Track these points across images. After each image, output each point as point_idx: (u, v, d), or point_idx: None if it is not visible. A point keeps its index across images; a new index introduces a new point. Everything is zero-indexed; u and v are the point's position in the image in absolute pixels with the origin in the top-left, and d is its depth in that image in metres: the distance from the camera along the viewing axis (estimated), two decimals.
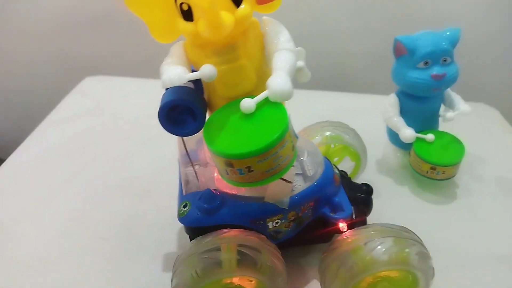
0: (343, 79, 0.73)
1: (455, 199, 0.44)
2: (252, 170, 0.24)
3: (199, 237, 0.30)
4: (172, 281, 0.29)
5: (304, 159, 0.34)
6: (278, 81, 0.25)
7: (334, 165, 0.38)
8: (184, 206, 0.32)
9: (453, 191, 0.45)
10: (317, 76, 0.68)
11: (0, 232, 0.40)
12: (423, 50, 0.39)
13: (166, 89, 0.27)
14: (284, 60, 0.26)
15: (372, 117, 0.49)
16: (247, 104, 0.25)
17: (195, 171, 0.33)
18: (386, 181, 0.46)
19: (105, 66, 0.74)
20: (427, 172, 0.42)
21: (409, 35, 0.40)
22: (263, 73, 0.27)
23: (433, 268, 0.30)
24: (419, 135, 0.43)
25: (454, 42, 0.40)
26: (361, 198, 0.36)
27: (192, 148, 0.35)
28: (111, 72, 0.68)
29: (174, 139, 0.35)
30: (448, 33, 0.40)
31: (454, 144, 0.43)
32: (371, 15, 0.66)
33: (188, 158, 0.33)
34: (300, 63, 0.30)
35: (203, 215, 0.30)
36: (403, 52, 0.40)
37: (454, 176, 0.43)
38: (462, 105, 0.42)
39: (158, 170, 0.46)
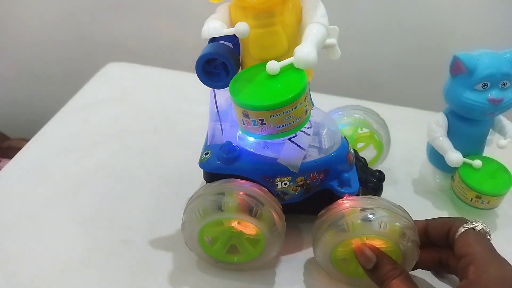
0: (369, 87, 0.73)
1: (495, 229, 0.41)
2: (265, 123, 0.27)
3: (210, 183, 0.33)
4: (183, 217, 0.33)
5: (323, 134, 0.37)
6: (304, 50, 0.27)
7: (354, 149, 0.40)
8: (206, 154, 0.35)
9: (493, 220, 0.42)
10: (344, 82, 0.69)
11: (18, 226, 0.38)
12: (483, 72, 0.37)
13: (209, 41, 0.30)
14: (314, 32, 0.28)
15: (408, 131, 0.48)
16: (273, 66, 0.28)
17: (221, 126, 0.37)
18: (424, 203, 0.44)
19: (127, 52, 0.74)
20: (471, 200, 0.40)
21: (469, 53, 0.38)
22: (295, 42, 0.29)
23: (418, 251, 0.31)
24: (467, 160, 0.40)
25: None
26: (372, 182, 0.38)
27: (224, 107, 0.39)
28: (133, 59, 0.66)
29: (202, 135, 0.37)
30: (508, 55, 0.37)
31: (502, 173, 0.41)
32: (402, 24, 0.65)
33: (217, 114, 0.37)
34: (333, 40, 0.32)
35: (220, 164, 0.34)
36: (461, 71, 0.38)
37: (497, 206, 0.41)
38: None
39: (187, 170, 0.44)
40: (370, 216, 0.30)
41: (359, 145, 0.45)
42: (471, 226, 0.30)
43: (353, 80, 0.72)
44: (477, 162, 0.40)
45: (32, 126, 0.77)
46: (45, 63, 0.82)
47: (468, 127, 0.40)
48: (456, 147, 0.41)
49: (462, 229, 0.30)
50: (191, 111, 0.54)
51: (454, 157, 0.40)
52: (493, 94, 0.37)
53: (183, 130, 0.52)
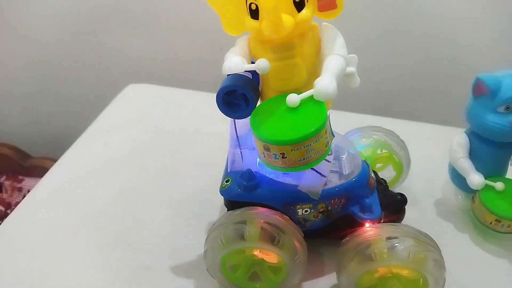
0: (385, 102, 0.72)
1: None
2: (286, 157, 0.27)
3: (232, 210, 0.34)
4: (204, 245, 0.34)
5: (344, 159, 0.37)
6: (324, 82, 0.27)
7: (374, 170, 0.40)
8: (227, 181, 0.36)
9: None
10: (360, 97, 0.69)
11: (41, 252, 0.39)
12: (506, 94, 0.36)
13: (228, 75, 0.31)
14: (334, 64, 0.28)
15: (426, 148, 0.48)
16: (293, 99, 0.28)
17: (241, 153, 0.37)
18: (445, 225, 0.43)
19: (146, 73, 0.76)
20: (490, 223, 0.39)
21: (492, 75, 0.37)
22: (314, 73, 0.30)
23: (445, 279, 0.31)
24: (488, 182, 0.39)
25: None
26: (394, 205, 0.38)
27: (244, 133, 0.39)
28: (152, 79, 0.67)
29: (221, 156, 0.38)
30: None
31: None
32: (417, 37, 0.65)
33: (237, 141, 0.37)
34: (351, 69, 0.32)
35: (241, 191, 0.34)
36: (483, 92, 0.37)
37: None
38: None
39: (207, 193, 0.44)
40: (397, 245, 0.30)
41: (378, 165, 0.44)
42: None
43: (368, 95, 0.72)
44: (499, 185, 0.39)
45: (54, 145, 0.79)
46: (65, 82, 0.84)
47: (490, 149, 0.39)
48: (478, 168, 0.40)
49: None
50: (210, 131, 0.55)
51: (476, 179, 0.39)
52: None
53: (202, 151, 0.52)
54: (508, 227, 0.39)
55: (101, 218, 0.43)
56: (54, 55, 0.80)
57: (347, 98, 0.63)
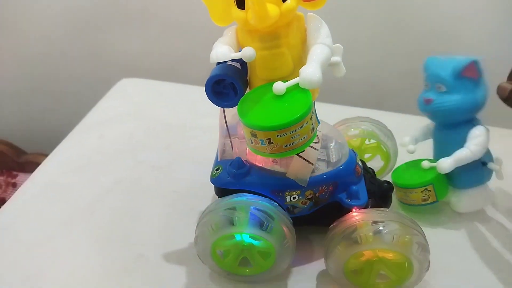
0: (376, 96, 0.73)
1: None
2: (272, 143, 0.28)
3: (222, 198, 0.34)
4: (195, 232, 0.35)
5: (331, 147, 0.37)
6: (309, 70, 0.28)
7: (361, 160, 0.41)
8: (217, 169, 0.36)
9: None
10: (350, 91, 0.70)
11: (36, 244, 0.39)
12: (425, 72, 0.40)
13: (217, 64, 0.32)
14: (319, 52, 0.29)
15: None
16: (279, 87, 0.29)
17: (231, 142, 0.38)
18: (431, 211, 0.43)
19: (139, 68, 0.76)
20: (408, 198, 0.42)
21: (435, 57, 0.40)
22: (300, 62, 0.31)
23: (429, 262, 0.32)
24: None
25: (456, 71, 0.37)
26: (380, 193, 0.39)
27: (233, 122, 0.40)
28: (145, 74, 0.68)
29: (214, 150, 0.39)
30: (455, 61, 0.38)
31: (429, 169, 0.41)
32: (408, 32, 0.66)
33: (227, 130, 0.38)
34: (337, 58, 0.33)
35: (231, 179, 0.35)
36: None
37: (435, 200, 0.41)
38: (446, 160, 0.38)
39: (200, 185, 0.44)
40: (382, 229, 0.31)
41: (366, 155, 0.45)
42: None
43: (359, 89, 0.73)
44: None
45: (48, 141, 0.79)
46: (59, 79, 0.84)
47: (438, 133, 0.42)
48: (437, 154, 0.42)
49: None
50: (203, 125, 0.55)
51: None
52: (426, 94, 0.39)
53: (195, 144, 0.53)
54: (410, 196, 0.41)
55: (95, 210, 0.43)
56: (48, 52, 0.81)
57: (340, 92, 0.64)
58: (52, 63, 0.82)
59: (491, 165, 0.40)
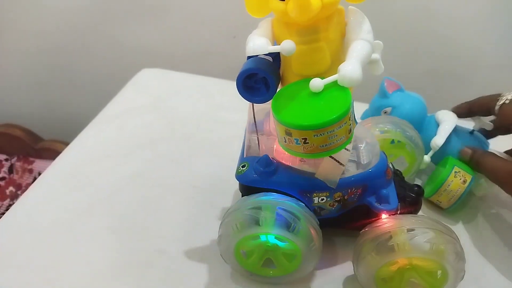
0: None
1: None
2: (307, 142, 0.27)
3: (247, 196, 0.33)
4: (219, 230, 0.34)
5: (362, 148, 0.36)
6: (349, 68, 0.27)
7: (391, 162, 0.39)
8: (243, 166, 0.35)
9: None
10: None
11: (55, 233, 0.39)
12: (372, 113, 0.47)
13: (248, 57, 0.30)
14: (359, 49, 0.28)
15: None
16: (317, 83, 0.27)
17: (258, 139, 0.37)
18: (463, 211, 0.44)
19: (160, 59, 0.75)
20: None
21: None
22: (338, 58, 0.29)
23: (464, 271, 0.31)
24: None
25: (383, 94, 0.45)
26: (411, 197, 0.37)
27: (260, 119, 0.39)
28: (166, 65, 0.66)
29: (235, 145, 0.37)
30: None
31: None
32: (405, 30, 0.65)
33: (255, 126, 0.37)
34: (376, 55, 0.32)
35: (257, 177, 0.34)
36: None
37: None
38: (436, 136, 0.43)
39: (220, 180, 0.44)
40: (419, 237, 0.30)
41: (389, 156, 0.44)
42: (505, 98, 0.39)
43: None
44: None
45: (65, 129, 0.79)
46: (79, 69, 0.84)
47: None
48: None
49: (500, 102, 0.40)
50: (223, 119, 0.54)
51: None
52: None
53: (216, 138, 0.52)
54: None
55: (114, 202, 0.43)
56: (70, 42, 0.80)
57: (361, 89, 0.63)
58: (73, 53, 0.82)
59: (477, 121, 0.44)
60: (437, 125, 0.44)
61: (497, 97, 0.41)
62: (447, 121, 0.43)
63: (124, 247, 0.38)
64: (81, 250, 0.38)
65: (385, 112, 0.45)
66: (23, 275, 0.36)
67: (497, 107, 0.40)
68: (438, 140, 0.42)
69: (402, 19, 0.65)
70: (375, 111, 0.46)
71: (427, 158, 0.43)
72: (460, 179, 0.41)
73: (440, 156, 0.44)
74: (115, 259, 0.37)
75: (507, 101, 0.39)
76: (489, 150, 0.43)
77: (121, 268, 0.36)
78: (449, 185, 0.41)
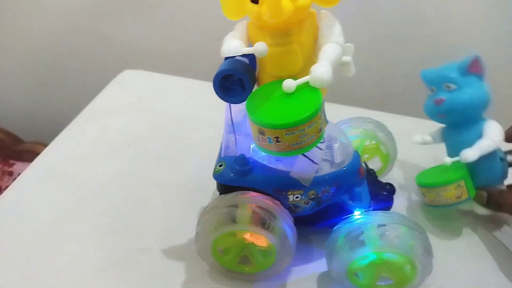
0: (382, 97, 0.73)
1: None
2: (280, 141, 0.28)
3: (224, 194, 0.34)
4: (196, 228, 0.34)
5: (336, 148, 0.37)
6: (320, 69, 0.28)
7: (364, 161, 0.40)
8: (220, 166, 0.36)
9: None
10: (356, 91, 0.70)
11: (38, 231, 0.39)
12: (427, 78, 0.41)
13: (225, 58, 0.31)
14: (330, 51, 0.29)
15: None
16: (289, 84, 0.28)
17: (235, 139, 0.38)
18: (432, 213, 0.44)
19: (142, 60, 0.75)
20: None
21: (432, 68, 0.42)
22: (310, 60, 0.30)
23: (432, 266, 0.32)
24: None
25: (463, 68, 0.39)
26: (383, 195, 0.39)
27: (238, 119, 0.40)
28: (148, 66, 0.67)
29: (216, 144, 0.39)
30: (458, 61, 0.40)
31: (454, 169, 0.40)
32: (415, 34, 0.66)
33: (232, 126, 0.37)
34: (347, 58, 0.33)
35: (234, 176, 0.35)
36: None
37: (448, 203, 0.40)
38: (470, 150, 0.38)
39: (201, 179, 0.43)
40: (389, 232, 0.31)
41: (365, 156, 0.45)
42: None
43: (363, 90, 0.73)
44: (446, 159, 0.40)
45: (46, 130, 0.78)
46: (60, 70, 0.83)
47: (451, 133, 0.42)
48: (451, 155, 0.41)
49: None
50: (205, 119, 0.55)
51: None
52: (436, 95, 0.40)
53: (197, 138, 0.52)
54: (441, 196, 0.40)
55: (97, 201, 0.43)
56: (51, 43, 0.80)
57: (347, 93, 0.64)
58: (54, 54, 0.81)
59: (509, 157, 0.41)
60: (481, 133, 0.39)
61: None
62: (489, 140, 0.38)
63: (107, 246, 0.39)
64: (64, 249, 0.38)
65: (448, 87, 0.40)
66: (6, 273, 0.36)
67: None
68: (470, 155, 0.38)
69: (400, 21, 0.66)
70: (438, 77, 0.40)
71: (447, 160, 0.40)
72: (458, 193, 0.39)
73: (454, 151, 0.40)
74: (98, 258, 0.37)
75: None
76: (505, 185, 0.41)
77: (104, 267, 0.37)
78: (444, 191, 0.40)
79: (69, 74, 0.83)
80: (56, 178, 0.46)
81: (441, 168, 0.42)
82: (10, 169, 0.82)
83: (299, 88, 0.29)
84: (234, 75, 0.30)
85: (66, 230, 0.40)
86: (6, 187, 0.79)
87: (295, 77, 0.29)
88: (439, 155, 0.43)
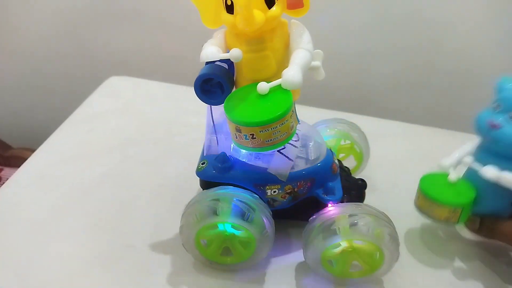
0: (361, 101, 0.76)
1: None
2: (255, 138, 0.30)
3: (206, 190, 0.37)
4: (181, 221, 0.37)
5: (310, 146, 0.40)
6: (290, 73, 0.31)
7: (338, 159, 0.43)
8: (203, 164, 0.39)
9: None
10: (337, 96, 0.73)
11: (27, 232, 0.41)
12: (502, 92, 0.35)
13: (206, 63, 0.34)
14: (300, 57, 0.32)
15: (390, 143, 0.52)
16: (263, 87, 0.31)
17: (216, 138, 0.40)
18: (405, 209, 0.42)
19: (128, 66, 0.77)
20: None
21: None
22: (282, 65, 0.33)
23: (399, 252, 0.35)
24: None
25: None
26: (355, 189, 0.42)
27: (219, 121, 0.42)
28: (133, 72, 0.68)
29: (199, 147, 0.41)
30: None
31: (462, 187, 0.38)
32: (396, 38, 0.69)
33: (213, 127, 0.40)
34: (317, 63, 0.36)
35: (216, 173, 0.37)
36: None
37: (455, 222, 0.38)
38: (494, 169, 0.35)
39: (185, 179, 0.46)
40: (358, 221, 0.34)
41: (340, 155, 0.48)
42: None
43: (344, 94, 0.76)
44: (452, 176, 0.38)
45: (34, 136, 0.80)
46: (46, 75, 0.85)
47: (488, 157, 0.37)
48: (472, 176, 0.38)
49: None
50: (189, 123, 0.57)
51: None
52: (495, 117, 0.34)
53: (182, 141, 0.55)
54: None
55: (85, 201, 0.45)
56: (37, 48, 0.81)
57: (322, 96, 0.67)
58: (41, 60, 0.83)
59: None
60: None
61: None
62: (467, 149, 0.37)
63: (95, 243, 0.40)
64: (53, 248, 0.40)
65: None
66: None
67: None
68: (490, 173, 0.35)
69: (401, 28, 0.68)
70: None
71: (453, 177, 0.38)
72: (449, 215, 0.38)
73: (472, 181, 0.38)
74: (87, 254, 0.39)
75: None
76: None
77: (92, 262, 0.39)
78: (437, 207, 0.38)
79: (56, 80, 0.85)
80: (45, 180, 0.47)
81: (448, 183, 0.39)
82: None
83: (272, 90, 0.31)
84: (214, 79, 0.33)
85: (55, 229, 0.42)
86: None
87: (268, 80, 0.32)
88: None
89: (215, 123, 0.39)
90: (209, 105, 0.37)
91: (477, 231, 0.39)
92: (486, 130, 0.35)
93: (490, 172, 0.35)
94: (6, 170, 0.84)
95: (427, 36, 0.68)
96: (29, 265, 0.38)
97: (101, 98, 0.63)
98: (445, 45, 0.68)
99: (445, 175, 0.39)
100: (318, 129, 0.47)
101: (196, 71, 0.33)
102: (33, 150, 0.72)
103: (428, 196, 0.39)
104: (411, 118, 0.62)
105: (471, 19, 0.66)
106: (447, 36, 0.68)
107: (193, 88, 0.33)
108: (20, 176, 0.48)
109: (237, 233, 0.36)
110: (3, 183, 0.79)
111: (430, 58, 0.70)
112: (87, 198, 0.45)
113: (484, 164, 0.36)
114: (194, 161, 0.41)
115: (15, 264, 0.38)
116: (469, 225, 0.41)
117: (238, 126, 0.30)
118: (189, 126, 0.57)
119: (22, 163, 0.52)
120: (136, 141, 0.55)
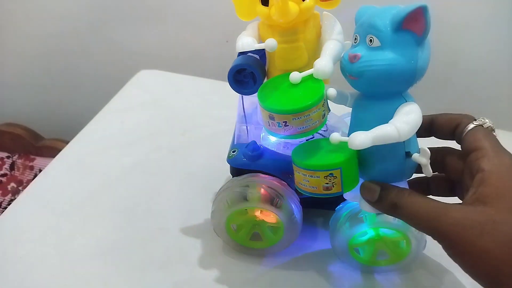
0: None
1: None
2: (288, 125, 0.31)
3: (237, 177, 0.38)
4: (212, 207, 0.38)
5: None
6: (322, 63, 0.32)
7: None
8: (233, 151, 0.40)
9: None
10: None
11: (67, 214, 0.44)
12: (356, 23, 0.30)
13: (238, 54, 0.35)
14: (332, 47, 0.33)
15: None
16: (295, 76, 0.32)
17: (247, 128, 0.42)
18: None
19: (156, 61, 0.79)
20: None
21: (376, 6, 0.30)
22: (314, 55, 0.34)
23: (426, 240, 0.35)
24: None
25: (396, 20, 0.27)
26: None
27: (249, 111, 0.43)
28: (162, 66, 0.70)
29: (225, 138, 0.43)
30: (397, 8, 0.28)
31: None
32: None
33: (244, 117, 0.41)
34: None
35: (246, 160, 0.39)
36: None
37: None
38: (363, 133, 0.28)
39: (212, 168, 0.47)
40: None
41: None
42: (480, 123, 0.30)
43: None
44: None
45: (66, 128, 0.83)
46: (79, 69, 0.88)
47: (359, 103, 0.32)
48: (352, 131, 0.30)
49: (471, 126, 0.30)
50: (215, 115, 0.59)
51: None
52: (353, 49, 0.29)
53: (208, 132, 0.57)
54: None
55: (119, 187, 0.47)
56: (70, 44, 0.85)
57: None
58: (73, 55, 0.86)
59: (416, 156, 0.29)
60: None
61: (470, 119, 0.31)
62: (393, 128, 0.28)
63: (130, 226, 0.43)
64: (91, 229, 0.42)
65: (370, 41, 0.28)
66: (40, 248, 0.40)
67: (466, 130, 0.30)
68: (358, 141, 0.28)
69: None
70: (366, 22, 0.29)
71: (335, 138, 0.30)
72: (327, 183, 0.31)
73: (357, 127, 0.30)
74: (122, 236, 0.42)
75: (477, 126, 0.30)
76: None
77: (127, 244, 0.41)
78: (311, 176, 0.31)
79: (87, 75, 0.88)
80: (80, 167, 0.50)
81: (327, 145, 0.32)
82: (31, 164, 0.87)
83: (304, 79, 0.32)
84: (246, 69, 0.34)
85: (91, 213, 0.44)
86: (28, 180, 0.84)
87: (300, 70, 0.33)
88: None
89: (245, 113, 0.41)
90: (240, 96, 0.39)
91: (377, 203, 0.30)
92: (348, 68, 0.29)
93: (358, 140, 0.27)
94: (39, 160, 0.88)
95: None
96: (67, 242, 0.41)
97: (132, 91, 0.65)
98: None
99: (323, 140, 0.33)
100: (345, 120, 0.48)
101: (220, 65, 0.34)
102: (64, 141, 0.75)
103: (296, 165, 0.32)
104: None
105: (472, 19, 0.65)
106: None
107: (218, 81, 0.34)
108: (57, 164, 0.51)
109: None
110: (35, 172, 0.83)
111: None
112: (120, 184, 0.48)
113: (359, 113, 0.31)
114: (220, 150, 0.42)
115: (55, 240, 0.41)
116: (366, 194, 0.31)
117: (272, 114, 0.32)
118: (215, 118, 0.59)
119: (54, 153, 0.55)
120: (165, 132, 0.57)
